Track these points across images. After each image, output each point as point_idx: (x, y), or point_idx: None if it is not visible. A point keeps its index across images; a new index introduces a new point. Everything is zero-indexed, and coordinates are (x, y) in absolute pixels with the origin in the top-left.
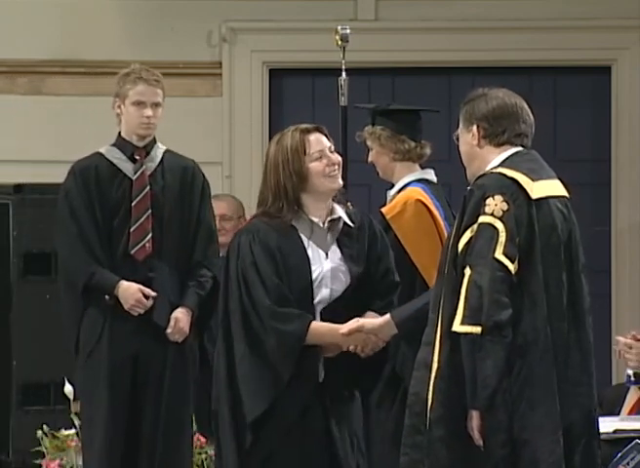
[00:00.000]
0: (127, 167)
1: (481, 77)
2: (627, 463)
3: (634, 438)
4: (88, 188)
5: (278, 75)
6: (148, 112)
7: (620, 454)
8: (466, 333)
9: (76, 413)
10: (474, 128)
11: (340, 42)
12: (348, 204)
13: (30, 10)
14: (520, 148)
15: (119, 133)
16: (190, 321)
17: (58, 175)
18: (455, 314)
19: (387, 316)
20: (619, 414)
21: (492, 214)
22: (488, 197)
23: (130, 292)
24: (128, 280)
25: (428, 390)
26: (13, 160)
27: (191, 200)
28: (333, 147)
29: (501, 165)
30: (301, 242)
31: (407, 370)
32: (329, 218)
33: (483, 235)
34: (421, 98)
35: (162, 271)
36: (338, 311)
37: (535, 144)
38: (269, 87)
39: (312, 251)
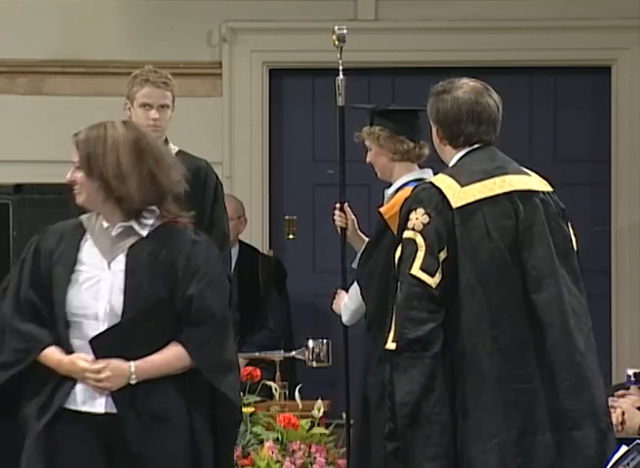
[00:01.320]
0: None
1: (481, 77)
2: (627, 464)
3: (634, 438)
4: None
5: (278, 75)
6: (154, 114)
7: (619, 454)
8: (392, 351)
9: None
10: (435, 128)
11: (337, 42)
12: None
13: (30, 10)
14: (476, 146)
15: None
16: None
17: (58, 176)
18: (389, 330)
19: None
20: None
21: (413, 229)
22: (412, 211)
23: None
24: None
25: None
26: (13, 160)
27: (204, 201)
28: (79, 163)
29: (448, 169)
30: (78, 248)
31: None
32: (119, 225)
33: (406, 251)
34: (421, 99)
35: None
36: (127, 337)
37: (535, 144)
38: (269, 87)
39: (93, 258)
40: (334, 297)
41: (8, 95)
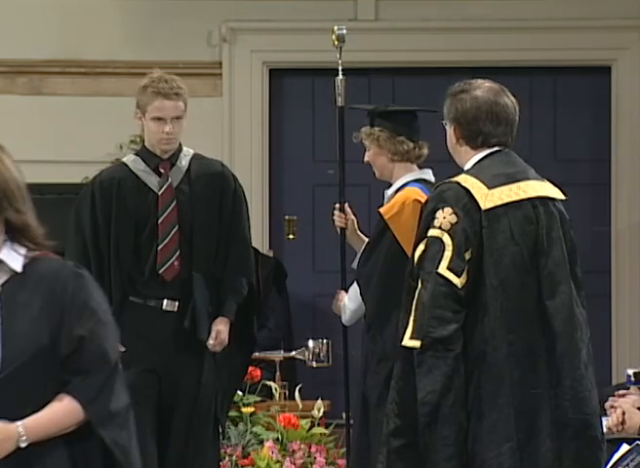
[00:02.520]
0: (152, 180)
1: (481, 77)
2: (627, 465)
3: (634, 438)
4: (105, 201)
5: (278, 75)
6: (167, 128)
7: (619, 455)
8: (413, 348)
9: None
10: (452, 128)
11: (336, 42)
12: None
13: (30, 10)
14: (496, 148)
15: (143, 142)
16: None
17: (58, 175)
18: (407, 327)
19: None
20: None
21: (440, 228)
22: (438, 209)
23: None
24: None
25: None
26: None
27: (222, 207)
28: None
29: (469, 170)
30: None
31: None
32: None
33: (431, 249)
34: (421, 99)
35: (195, 285)
36: (11, 393)
37: (535, 144)
38: (269, 87)
39: None
40: (334, 298)
41: (8, 95)
